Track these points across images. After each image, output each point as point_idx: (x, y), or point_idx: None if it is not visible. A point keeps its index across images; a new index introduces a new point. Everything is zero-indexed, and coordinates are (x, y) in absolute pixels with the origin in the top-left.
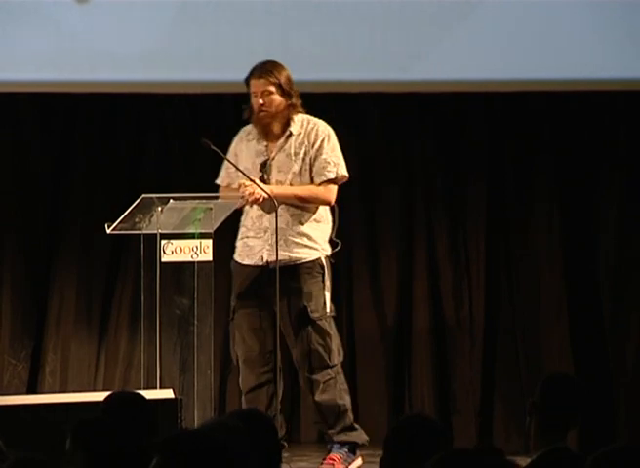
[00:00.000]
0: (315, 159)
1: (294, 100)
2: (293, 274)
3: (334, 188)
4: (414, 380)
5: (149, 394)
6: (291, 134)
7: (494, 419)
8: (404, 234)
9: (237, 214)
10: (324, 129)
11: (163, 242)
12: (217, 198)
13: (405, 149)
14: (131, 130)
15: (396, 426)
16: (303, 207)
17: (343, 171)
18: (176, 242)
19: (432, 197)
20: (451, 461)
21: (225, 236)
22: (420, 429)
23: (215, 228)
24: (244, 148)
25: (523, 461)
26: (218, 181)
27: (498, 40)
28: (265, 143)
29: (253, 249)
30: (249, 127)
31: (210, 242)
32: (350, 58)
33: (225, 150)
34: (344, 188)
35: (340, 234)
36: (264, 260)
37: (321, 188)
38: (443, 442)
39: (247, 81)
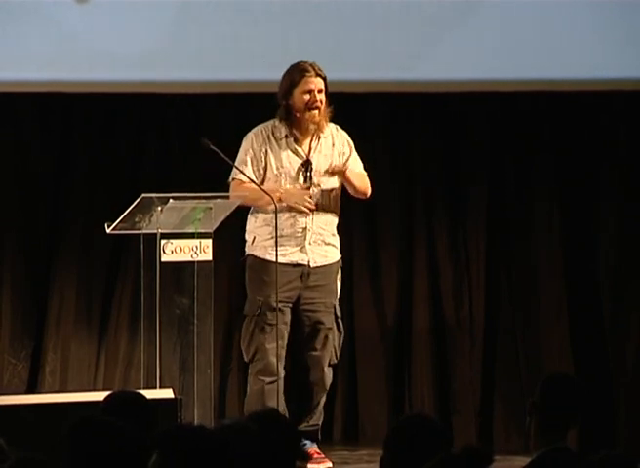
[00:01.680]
0: (346, 163)
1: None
2: (325, 273)
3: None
4: (414, 380)
5: (149, 394)
6: (321, 135)
7: (494, 419)
8: (404, 234)
9: (236, 214)
10: (349, 138)
11: (163, 241)
12: (216, 198)
13: (405, 149)
14: (131, 130)
15: (396, 426)
16: (337, 208)
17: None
18: (175, 241)
19: (432, 197)
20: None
21: (225, 235)
22: (421, 429)
23: (214, 228)
24: (275, 146)
25: (523, 461)
26: (236, 177)
27: (498, 40)
28: (298, 143)
29: (288, 248)
30: (269, 126)
31: (210, 241)
32: (350, 58)
33: (225, 150)
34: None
35: (340, 234)
36: (305, 260)
37: (367, 179)
38: (443, 442)
39: (295, 81)
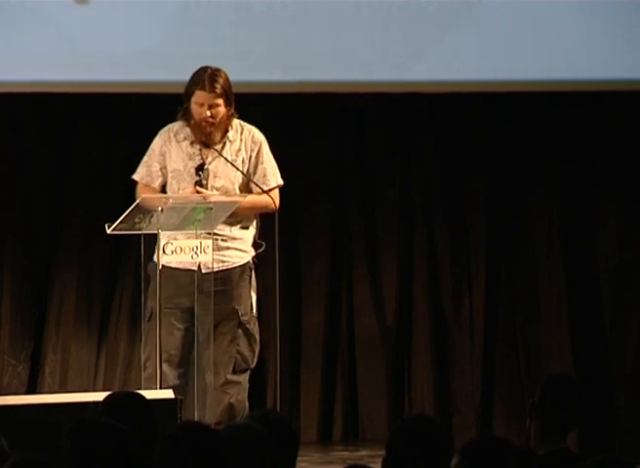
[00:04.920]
0: (256, 167)
1: (233, 108)
2: (225, 277)
3: (277, 194)
4: (414, 380)
5: (149, 394)
6: (227, 140)
7: (494, 419)
8: (404, 234)
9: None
10: (259, 136)
11: (163, 242)
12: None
13: (405, 149)
14: (130, 130)
15: (398, 427)
16: (243, 211)
17: (280, 177)
18: (176, 242)
19: (432, 197)
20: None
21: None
22: (422, 430)
23: (214, 228)
24: (173, 149)
25: None
26: (135, 177)
27: (497, 41)
28: (199, 147)
29: (183, 252)
30: (176, 126)
31: (210, 242)
32: (350, 58)
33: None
34: (344, 187)
35: (340, 234)
36: (198, 264)
37: (267, 197)
38: (444, 443)
39: (191, 90)
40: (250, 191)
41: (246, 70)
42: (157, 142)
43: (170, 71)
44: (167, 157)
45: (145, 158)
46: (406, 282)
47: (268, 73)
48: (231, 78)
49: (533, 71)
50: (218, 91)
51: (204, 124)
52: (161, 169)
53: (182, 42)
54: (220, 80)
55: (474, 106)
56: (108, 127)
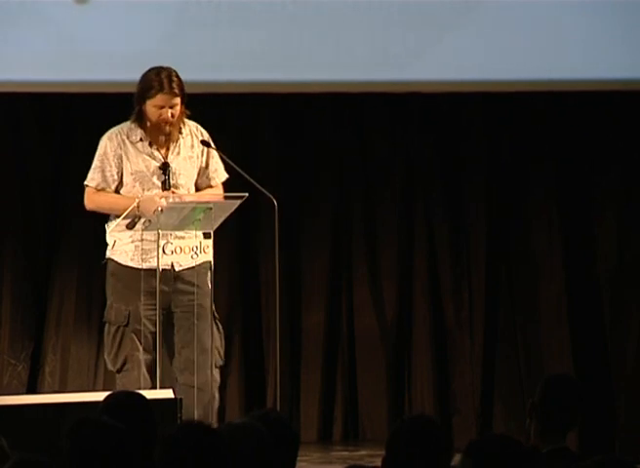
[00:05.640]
0: (207, 162)
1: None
2: (195, 274)
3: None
4: (414, 380)
5: (149, 394)
6: (181, 137)
7: (494, 419)
8: (404, 234)
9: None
10: (205, 132)
11: (163, 242)
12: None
13: (405, 149)
14: None
15: (398, 427)
16: None
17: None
18: (176, 242)
19: (432, 197)
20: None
21: (225, 235)
22: (422, 430)
23: (215, 228)
24: (130, 151)
25: None
26: (91, 183)
27: (497, 40)
28: (155, 146)
29: (151, 253)
30: (124, 128)
31: (210, 242)
32: (350, 58)
33: (225, 150)
34: (344, 187)
35: (340, 234)
36: (169, 264)
37: (221, 190)
38: (444, 443)
39: (149, 94)
40: (199, 188)
41: (246, 70)
42: (109, 146)
43: None
44: (124, 160)
45: (97, 163)
46: (406, 282)
47: (268, 73)
48: (230, 78)
49: (532, 71)
50: (176, 91)
51: (163, 124)
52: (117, 172)
53: (182, 42)
54: (176, 79)
55: (474, 106)
56: (108, 127)
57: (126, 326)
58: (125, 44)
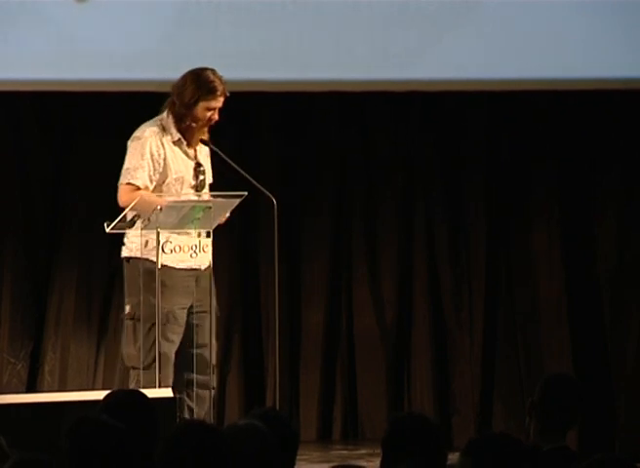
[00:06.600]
0: (212, 162)
1: None
2: (210, 276)
3: None
4: (413, 380)
5: (148, 393)
6: None
7: (493, 419)
8: (404, 234)
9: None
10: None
11: (162, 241)
12: (216, 197)
13: (404, 149)
14: (130, 129)
15: (392, 426)
16: None
17: None
18: (174, 241)
19: (432, 197)
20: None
21: (224, 235)
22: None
23: (214, 227)
24: (172, 152)
25: None
26: (138, 183)
27: (497, 40)
28: (189, 146)
29: (182, 251)
30: (158, 127)
31: (209, 241)
32: (350, 57)
33: (225, 150)
34: (344, 187)
35: (341, 233)
36: (198, 264)
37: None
38: (437, 438)
39: (206, 96)
40: None
41: (246, 70)
42: (152, 146)
43: (170, 70)
44: (168, 161)
45: (139, 162)
46: (406, 282)
47: (268, 73)
48: (231, 77)
49: (533, 70)
50: (227, 93)
51: (206, 128)
52: (159, 173)
53: (182, 41)
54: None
55: (474, 105)
56: (108, 126)
57: (164, 324)
58: (125, 44)
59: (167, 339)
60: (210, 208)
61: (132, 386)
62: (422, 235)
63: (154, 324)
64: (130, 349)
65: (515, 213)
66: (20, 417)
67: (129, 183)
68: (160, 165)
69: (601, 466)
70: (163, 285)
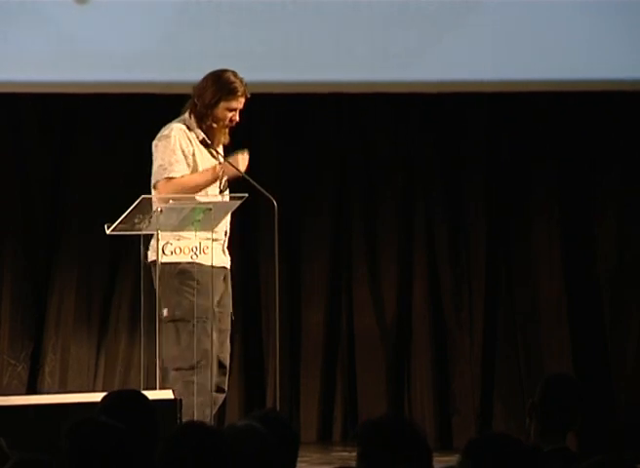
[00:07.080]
0: None
1: None
2: (228, 275)
3: None
4: (413, 381)
5: (149, 395)
6: None
7: (493, 419)
8: (404, 234)
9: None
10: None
11: (162, 242)
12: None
13: (404, 149)
14: (130, 130)
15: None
16: None
17: None
18: (175, 242)
19: (432, 197)
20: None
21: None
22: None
23: (214, 229)
24: (197, 150)
25: None
26: (175, 175)
27: (497, 40)
28: (212, 147)
29: (216, 251)
30: (183, 127)
31: (210, 243)
32: (350, 58)
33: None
34: (344, 187)
35: (341, 233)
36: (227, 263)
37: None
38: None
39: (229, 97)
40: None
41: (246, 70)
42: (182, 142)
43: (170, 71)
44: (196, 159)
45: (173, 157)
46: (406, 282)
47: (268, 73)
48: None
49: (533, 71)
50: (248, 95)
51: (227, 128)
52: (188, 167)
53: (182, 42)
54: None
55: (474, 106)
56: (108, 127)
57: (204, 321)
58: (125, 44)
59: (208, 336)
60: (210, 209)
61: (176, 388)
62: (422, 235)
63: (195, 323)
64: (173, 351)
65: (515, 213)
66: (21, 419)
67: (168, 178)
68: (190, 160)
69: (601, 467)
70: (198, 283)
